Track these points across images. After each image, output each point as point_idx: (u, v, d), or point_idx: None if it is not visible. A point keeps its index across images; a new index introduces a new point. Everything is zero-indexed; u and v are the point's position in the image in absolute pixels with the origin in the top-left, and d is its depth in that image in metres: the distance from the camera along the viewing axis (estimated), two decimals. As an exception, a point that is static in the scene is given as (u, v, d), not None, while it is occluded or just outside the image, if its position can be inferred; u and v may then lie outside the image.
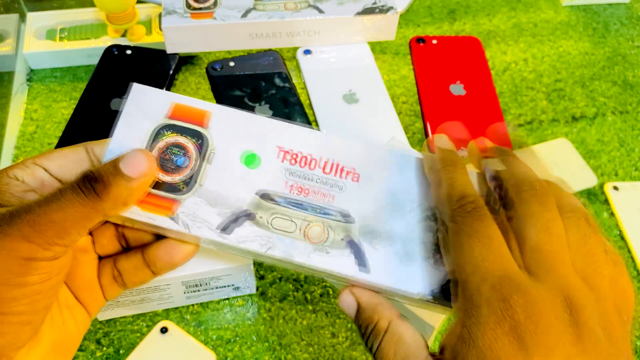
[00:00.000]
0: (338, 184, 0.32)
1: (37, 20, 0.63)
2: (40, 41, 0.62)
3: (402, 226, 0.31)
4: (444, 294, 0.29)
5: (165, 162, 0.31)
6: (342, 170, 0.32)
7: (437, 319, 0.40)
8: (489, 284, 0.24)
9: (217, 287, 0.45)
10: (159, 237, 0.33)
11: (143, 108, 0.32)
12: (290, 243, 0.31)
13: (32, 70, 0.62)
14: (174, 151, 0.31)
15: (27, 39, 0.61)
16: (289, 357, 0.44)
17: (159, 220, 0.30)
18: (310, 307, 0.47)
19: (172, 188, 0.31)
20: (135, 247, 0.34)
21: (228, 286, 0.45)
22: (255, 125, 0.32)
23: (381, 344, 0.28)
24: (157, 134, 0.32)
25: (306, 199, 0.31)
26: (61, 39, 0.62)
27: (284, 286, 0.48)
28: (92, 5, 0.61)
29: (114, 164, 0.29)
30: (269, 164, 0.32)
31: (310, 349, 0.45)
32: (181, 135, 0.32)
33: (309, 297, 0.47)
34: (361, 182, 0.32)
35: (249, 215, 0.31)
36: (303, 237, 0.31)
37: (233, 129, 0.32)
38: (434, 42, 0.63)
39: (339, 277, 0.31)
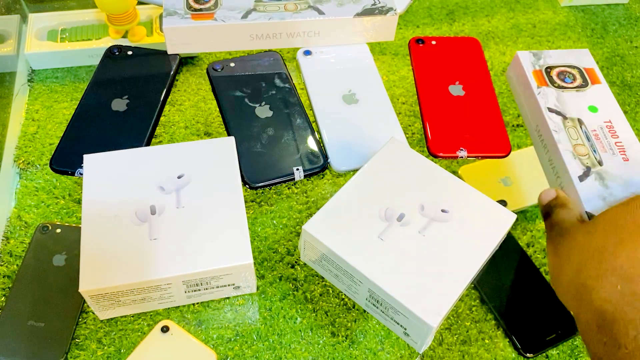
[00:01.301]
0: (613, 149, 0.46)
1: (39, 21, 0.63)
2: (42, 42, 0.62)
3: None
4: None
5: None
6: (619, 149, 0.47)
7: (437, 319, 0.40)
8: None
9: (217, 287, 0.45)
10: None
11: None
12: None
13: (33, 71, 0.63)
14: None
15: (28, 40, 0.62)
16: (289, 356, 0.45)
17: None
18: (310, 307, 0.47)
19: None
20: None
21: (228, 285, 0.45)
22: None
23: (561, 211, 0.43)
24: None
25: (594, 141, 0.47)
26: (62, 39, 0.62)
27: (284, 285, 0.48)
28: (93, 6, 0.61)
29: None
30: None
31: (310, 348, 0.45)
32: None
33: (308, 296, 0.48)
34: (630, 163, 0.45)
35: None
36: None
37: None
38: (433, 42, 0.63)
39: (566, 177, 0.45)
